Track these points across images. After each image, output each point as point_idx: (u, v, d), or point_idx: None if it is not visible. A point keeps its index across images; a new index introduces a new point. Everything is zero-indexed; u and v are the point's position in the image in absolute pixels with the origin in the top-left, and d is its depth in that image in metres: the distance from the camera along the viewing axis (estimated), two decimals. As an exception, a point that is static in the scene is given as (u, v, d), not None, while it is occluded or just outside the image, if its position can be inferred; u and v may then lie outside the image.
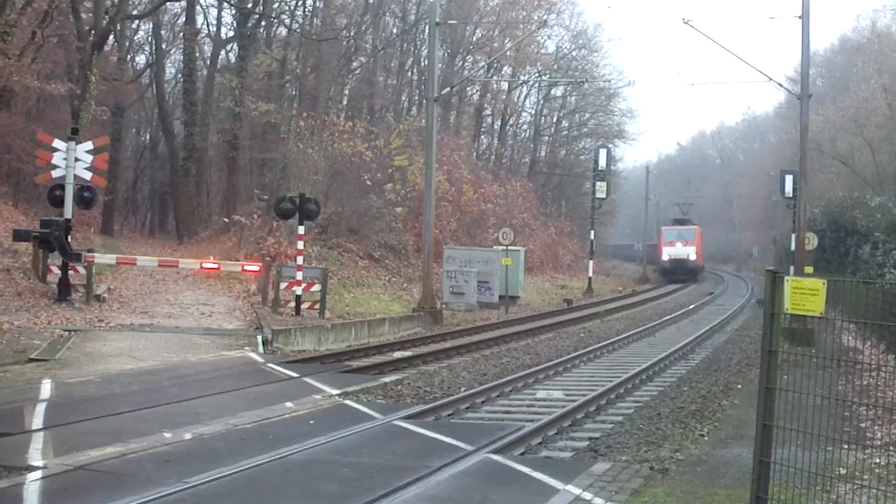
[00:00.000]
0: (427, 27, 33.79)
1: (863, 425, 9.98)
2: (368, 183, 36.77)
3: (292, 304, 22.20)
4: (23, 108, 31.09)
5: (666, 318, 29.96)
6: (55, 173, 20.77)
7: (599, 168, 49.79)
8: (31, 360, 14.28)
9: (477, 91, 58.91)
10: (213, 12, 49.14)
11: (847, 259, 28.92)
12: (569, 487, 7.93)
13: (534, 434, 10.50)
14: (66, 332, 16.94)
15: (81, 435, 9.42)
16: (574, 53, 65.19)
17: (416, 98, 53.22)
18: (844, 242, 29.99)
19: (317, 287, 22.95)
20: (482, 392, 13.52)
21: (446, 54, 50.58)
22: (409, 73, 53.88)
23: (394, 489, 7.75)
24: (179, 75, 51.26)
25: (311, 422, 10.86)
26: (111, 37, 36.49)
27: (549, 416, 11.43)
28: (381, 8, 49.06)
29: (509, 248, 31.74)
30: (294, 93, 45.12)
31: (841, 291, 12.26)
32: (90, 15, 33.85)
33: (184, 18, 46.02)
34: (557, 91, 66.82)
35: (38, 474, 7.87)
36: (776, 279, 5.93)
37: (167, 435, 9.58)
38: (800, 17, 22.60)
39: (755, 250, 76.37)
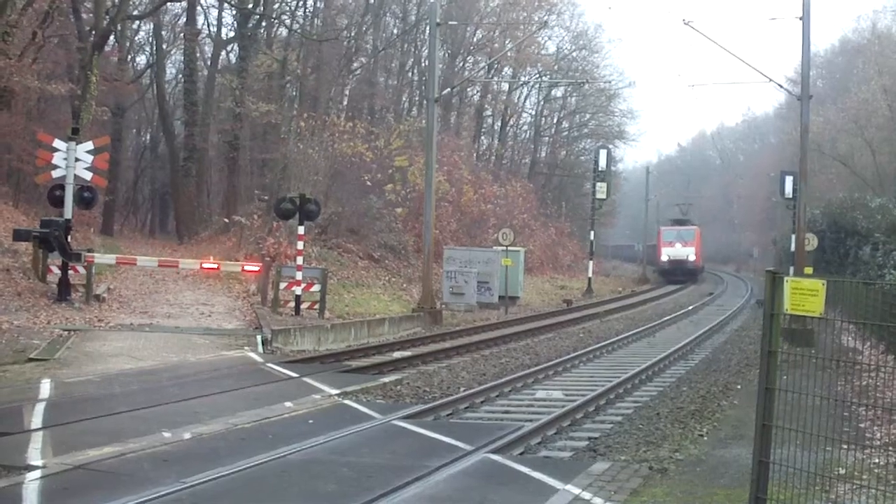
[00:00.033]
0: (427, 28, 33.81)
1: (862, 426, 9.98)
2: (368, 183, 36.79)
3: (292, 304, 22.21)
4: (23, 108, 31.10)
5: (665, 318, 29.96)
6: (55, 173, 20.77)
7: (599, 169, 49.76)
8: (31, 359, 14.28)
9: (477, 92, 58.95)
10: (214, 13, 49.24)
11: (847, 260, 28.91)
12: (568, 487, 7.93)
13: (533, 434, 10.50)
14: (66, 332, 16.95)
15: (80, 434, 9.42)
16: (574, 54, 65.24)
17: (417, 99, 53.25)
18: (844, 243, 29.98)
19: (316, 287, 22.96)
20: (481, 392, 13.52)
21: (447, 55, 50.59)
22: (410, 74, 53.90)
23: (393, 489, 7.75)
24: (180, 76, 51.28)
25: (311, 421, 10.87)
26: (112, 37, 36.49)
27: (549, 416, 11.43)
28: (381, 8, 49.06)
29: (509, 248, 31.74)
30: (294, 93, 45.13)
31: (840, 292, 12.28)
32: (91, 15, 33.87)
33: (184, 19, 46.03)
34: (558, 92, 66.86)
35: (37, 474, 7.87)
36: (776, 280, 5.93)
37: (166, 434, 9.58)
38: (800, 19, 22.60)
39: (755, 251, 76.31)
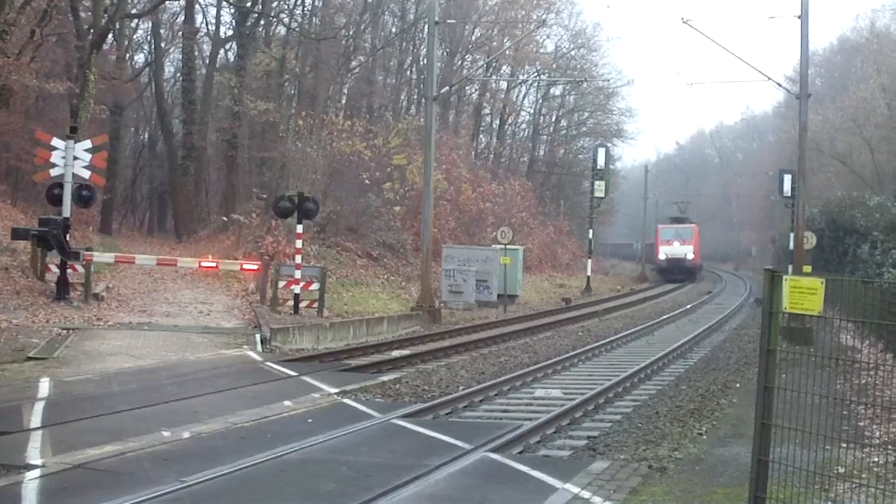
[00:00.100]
0: (426, 26, 33.81)
1: (861, 424, 9.99)
2: (367, 182, 36.78)
3: (291, 302, 22.20)
4: (21, 106, 31.07)
5: (664, 316, 29.98)
6: (54, 172, 20.76)
7: (598, 167, 49.75)
8: (30, 358, 14.27)
9: (476, 90, 58.95)
10: (212, 11, 49.14)
11: (845, 258, 28.93)
12: (567, 486, 7.93)
13: (532, 433, 10.50)
14: (65, 331, 16.94)
15: (80, 433, 9.41)
16: (573, 53, 65.26)
17: (415, 97, 53.24)
18: (843, 242, 30.00)
19: (315, 286, 22.94)
20: (480, 391, 13.52)
21: (445, 53, 50.59)
22: (408, 72, 53.88)
23: (392, 488, 7.75)
24: (178, 74, 51.27)
25: (310, 420, 10.86)
26: (110, 35, 36.47)
27: (548, 415, 11.44)
28: (380, 7, 49.03)
29: (508, 246, 31.71)
30: (293, 92, 45.11)
31: (839, 290, 12.27)
32: (89, 14, 33.82)
33: (183, 17, 46.05)
34: (556, 90, 66.90)
35: (36, 473, 7.86)
36: (775, 278, 5.93)
37: (165, 433, 9.58)
38: (799, 17, 22.60)
39: (754, 249, 76.35)
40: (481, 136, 63.19)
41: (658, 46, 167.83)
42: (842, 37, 65.13)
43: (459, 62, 54.73)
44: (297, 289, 22.20)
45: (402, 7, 50.93)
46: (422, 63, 48.84)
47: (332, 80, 45.12)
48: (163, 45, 49.03)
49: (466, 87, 55.73)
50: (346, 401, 12.42)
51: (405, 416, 11.22)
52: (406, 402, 12.74)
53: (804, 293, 5.83)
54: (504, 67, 57.87)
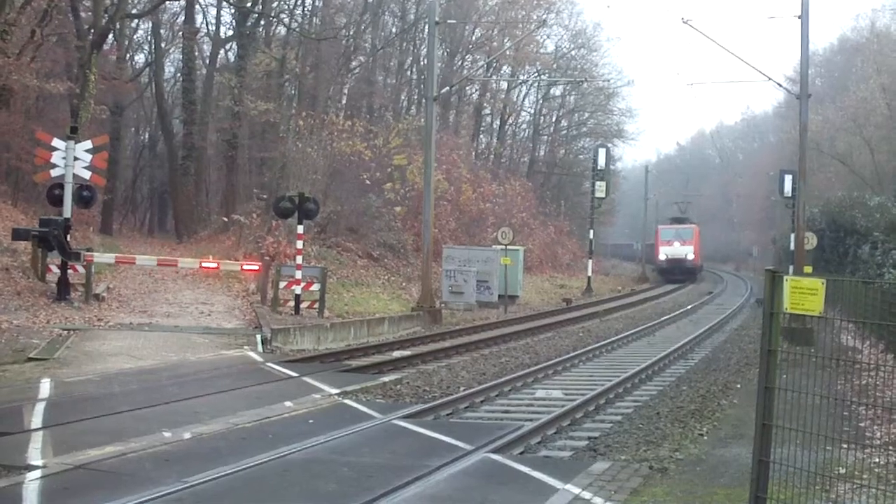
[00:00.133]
0: (426, 26, 33.81)
1: (862, 425, 9.99)
2: (367, 182, 36.78)
3: (291, 303, 22.20)
4: (22, 106, 31.07)
5: (665, 317, 29.98)
6: (54, 172, 20.77)
7: (598, 167, 49.70)
8: (31, 359, 14.28)
9: (476, 90, 58.96)
10: (213, 11, 49.18)
11: (846, 259, 28.93)
12: (568, 487, 7.93)
13: (533, 433, 10.51)
14: (65, 332, 16.94)
15: (81, 434, 9.42)
16: (573, 53, 65.24)
17: (416, 97, 53.24)
18: (843, 242, 30.00)
19: (316, 286, 22.95)
20: (481, 391, 13.52)
21: (445, 53, 50.59)
22: (409, 73, 53.88)
23: (393, 488, 7.75)
24: (178, 74, 51.27)
25: (311, 421, 10.87)
26: (110, 36, 36.48)
27: (549, 416, 11.44)
28: (380, 7, 49.05)
29: (508, 247, 31.72)
30: (293, 92, 45.11)
31: (840, 291, 12.26)
32: (89, 14, 33.84)
33: (183, 17, 46.05)
34: (556, 90, 66.87)
35: (37, 473, 7.87)
36: (775, 279, 5.94)
37: (167, 434, 9.58)
38: (799, 17, 22.61)
39: (754, 250, 76.26)
40: (482, 136, 63.21)
41: (658, 47, 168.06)
42: (842, 37, 65.22)
43: (460, 62, 54.74)
44: (297, 289, 22.20)
45: (403, 7, 50.93)
46: (422, 63, 48.85)
47: (332, 80, 45.13)
48: (163, 45, 49.06)
49: (467, 88, 55.74)
50: (346, 401, 12.43)
51: (406, 417, 11.22)
52: (407, 402, 12.74)
53: (805, 294, 5.83)
54: (504, 68, 57.87)
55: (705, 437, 10.38)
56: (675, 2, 66.96)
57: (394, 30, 51.98)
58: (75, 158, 20.50)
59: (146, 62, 52.39)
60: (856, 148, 43.62)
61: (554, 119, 70.60)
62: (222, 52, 48.75)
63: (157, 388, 12.56)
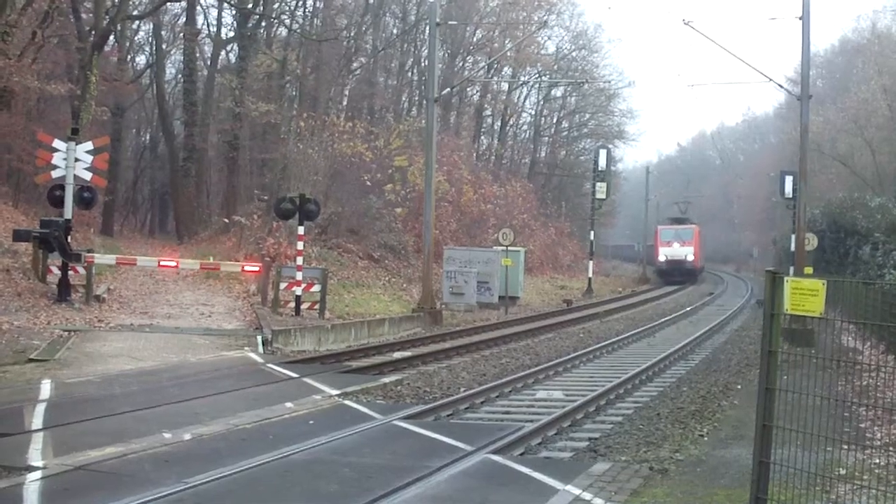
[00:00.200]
0: (427, 28, 33.81)
1: (862, 426, 9.98)
2: (368, 183, 36.79)
3: (292, 304, 22.21)
4: (23, 108, 31.10)
5: (665, 318, 29.97)
6: (55, 173, 20.77)
7: (599, 169, 49.65)
8: (31, 360, 14.28)
9: (477, 91, 58.96)
10: (214, 13, 49.24)
11: (847, 260, 28.92)
12: (568, 487, 7.93)
13: (533, 434, 10.51)
14: (66, 333, 16.94)
15: (81, 435, 9.42)
16: (574, 54, 65.22)
17: (417, 98, 53.26)
18: (844, 243, 30.00)
19: (316, 287, 22.96)
20: (482, 392, 13.52)
21: (446, 55, 50.60)
22: (410, 74, 53.90)
23: (394, 489, 7.76)
24: (179, 76, 51.30)
25: (311, 422, 10.87)
26: (111, 37, 36.50)
27: (549, 417, 11.44)
28: (381, 8, 49.08)
29: (509, 248, 31.75)
30: (294, 93, 45.14)
31: (841, 292, 12.28)
32: (90, 15, 33.88)
33: (184, 19, 46.04)
34: (557, 91, 66.84)
35: (37, 474, 7.87)
36: (776, 280, 5.94)
37: (167, 435, 9.59)
38: (800, 18, 22.60)
39: (755, 251, 76.19)
40: (482, 137, 63.24)
41: (659, 48, 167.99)
42: (843, 38, 65.22)
43: (461, 64, 54.74)
44: (298, 290, 22.21)
45: (404, 8, 50.97)
46: (423, 64, 48.84)
47: (333, 81, 45.15)
48: (164, 46, 49.07)
49: (468, 89, 55.74)
50: (347, 402, 12.43)
51: (407, 418, 11.22)
52: (407, 403, 12.75)
53: (805, 295, 5.83)
54: (505, 69, 57.90)
55: (706, 438, 10.38)
56: (676, 3, 67.08)
57: (395, 31, 52.02)
58: (76, 160, 20.50)
59: (147, 63, 52.51)
60: (857, 149, 43.61)
61: (555, 120, 70.63)
62: (223, 53, 48.85)
63: (158, 390, 12.57)
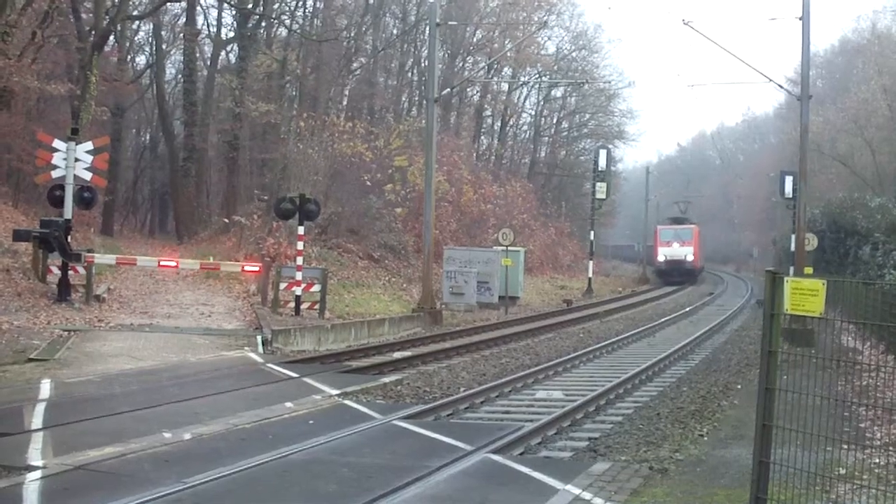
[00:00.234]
0: (427, 28, 33.80)
1: (862, 426, 9.98)
2: (368, 183, 36.79)
3: (292, 304, 22.20)
4: (23, 108, 31.10)
5: (665, 318, 29.98)
6: (55, 173, 20.77)
7: (599, 169, 49.62)
8: (31, 359, 14.28)
9: (477, 92, 58.95)
10: (214, 13, 49.23)
11: (847, 260, 28.92)
12: (568, 487, 7.93)
13: (533, 434, 10.50)
14: (66, 332, 16.95)
15: (81, 435, 9.42)
16: (574, 54, 65.22)
17: (417, 99, 53.26)
18: (844, 243, 29.99)
19: (316, 287, 22.96)
20: (482, 392, 13.52)
21: (446, 55, 50.60)
22: (410, 74, 53.90)
23: (393, 489, 7.76)
24: (179, 76, 51.30)
25: (311, 422, 10.87)
26: (111, 37, 36.49)
27: (549, 417, 11.44)
28: (381, 9, 49.08)
29: (509, 248, 31.75)
30: (294, 93, 45.14)
31: (840, 292, 12.28)
32: (90, 15, 33.88)
33: (184, 19, 46.04)
34: (557, 92, 66.84)
35: (37, 474, 7.87)
36: (776, 280, 5.93)
37: (167, 435, 9.58)
38: (800, 19, 22.60)
39: (755, 251, 76.17)
40: (482, 137, 63.24)
41: (659, 48, 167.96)
42: (843, 38, 65.21)
43: (461, 64, 54.74)
44: (298, 290, 22.21)
45: (404, 9, 50.97)
46: (423, 65, 48.84)
47: (333, 81, 45.15)
48: (164, 46, 49.07)
49: (468, 89, 55.73)
50: (347, 402, 12.43)
51: (406, 418, 11.22)
52: (407, 403, 12.75)
53: (805, 295, 5.83)
54: (505, 69, 57.96)
55: (705, 438, 10.38)
56: (676, 3, 67.03)
57: (395, 31, 52.01)
58: (76, 160, 20.50)
59: (147, 64, 52.49)
60: (857, 149, 43.61)
61: (555, 120, 70.63)
62: (223, 53, 48.83)
63: (158, 389, 12.57)
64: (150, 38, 50.37)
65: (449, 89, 44.11)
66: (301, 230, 23.35)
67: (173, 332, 18.38)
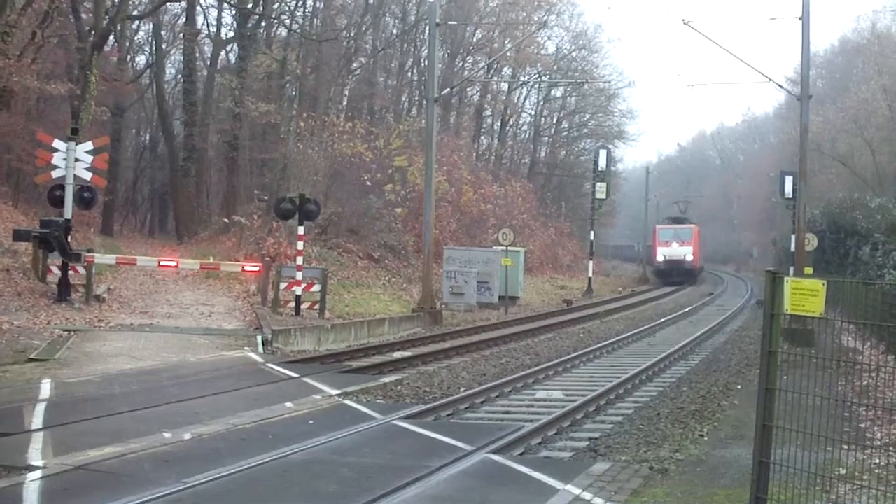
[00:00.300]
0: (427, 28, 33.80)
1: (862, 426, 9.98)
2: (368, 183, 36.79)
3: (292, 304, 22.21)
4: (23, 108, 31.10)
5: (665, 318, 29.97)
6: (55, 173, 20.78)
7: (599, 169, 49.60)
8: (31, 359, 14.28)
9: (477, 92, 58.95)
10: (213, 13, 49.22)
11: (847, 260, 28.93)
12: (568, 487, 7.93)
13: (533, 434, 10.50)
14: (66, 332, 16.95)
15: (81, 435, 9.42)
16: (574, 54, 65.22)
17: (416, 98, 53.26)
18: (844, 243, 29.99)
19: (316, 287, 22.96)
20: (482, 392, 13.52)
21: (446, 55, 50.61)
22: (409, 74, 53.91)
23: (393, 489, 7.76)
24: (179, 76, 51.31)
25: (311, 422, 10.87)
26: (111, 37, 36.50)
27: (549, 417, 11.43)
28: (381, 8, 49.08)
29: (509, 248, 31.75)
30: (294, 93, 45.14)
31: (841, 292, 12.28)
32: (90, 15, 33.88)
33: (184, 19, 46.05)
34: (557, 92, 66.86)
35: (37, 474, 7.87)
36: (776, 280, 5.93)
37: (167, 435, 9.58)
38: (800, 19, 22.60)
39: (755, 251, 76.15)
40: (482, 137, 63.23)
41: (659, 48, 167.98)
42: (843, 38, 65.20)
43: (461, 64, 54.75)
44: (298, 290, 22.21)
45: (403, 9, 50.97)
46: (423, 64, 48.84)
47: (333, 81, 45.15)
48: (164, 46, 49.08)
49: (468, 89, 55.72)
50: (347, 402, 12.43)
51: (406, 418, 11.22)
52: (407, 403, 12.74)
53: (805, 295, 5.83)
54: (505, 69, 57.92)
55: (706, 438, 10.38)
56: (676, 3, 66.99)
57: (394, 31, 52.02)
58: (76, 160, 20.50)
59: (147, 63, 52.50)
60: (857, 149, 43.61)
61: (555, 120, 70.63)
62: (223, 53, 48.84)
63: (158, 389, 12.57)
64: (149, 38, 50.43)
65: (449, 89, 44.11)
66: (301, 230, 23.35)
67: (173, 332, 18.38)
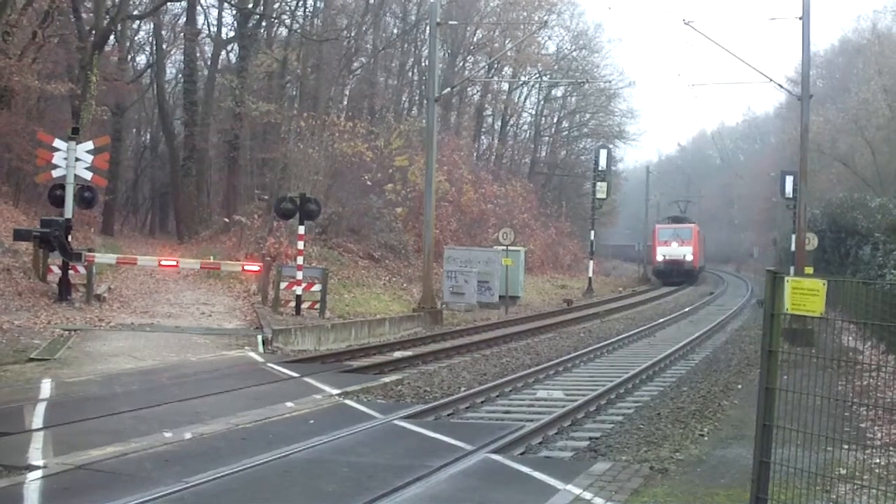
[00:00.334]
0: (427, 27, 33.84)
1: (863, 425, 9.99)
2: (369, 183, 36.80)
3: (292, 303, 22.21)
4: (23, 107, 31.10)
5: (666, 318, 29.97)
6: (56, 173, 20.79)
7: (600, 168, 49.57)
8: (31, 359, 14.29)
9: (477, 91, 58.98)
10: (214, 12, 49.32)
11: (847, 259, 28.94)
12: (569, 487, 7.93)
13: (534, 434, 10.50)
14: (66, 332, 16.95)
15: (81, 434, 9.43)
16: (574, 54, 65.24)
17: (417, 98, 53.27)
18: (845, 243, 30.00)
19: (317, 287, 22.96)
20: (482, 392, 13.52)
21: (447, 55, 50.61)
22: (410, 74, 53.91)
23: (394, 489, 7.76)
24: (180, 75, 51.32)
25: (312, 421, 10.87)
26: (112, 37, 36.53)
27: (550, 416, 11.43)
28: (381, 8, 49.08)
29: (509, 248, 31.75)
30: (294, 93, 45.16)
31: (841, 292, 12.28)
32: (91, 15, 33.90)
33: (184, 19, 46.09)
34: (558, 91, 66.87)
35: (38, 474, 7.87)
36: (776, 279, 5.93)
37: (167, 434, 9.59)
38: (800, 19, 22.58)
39: (755, 251, 76.13)
40: (483, 137, 63.25)
41: (660, 48, 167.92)
42: (843, 38, 65.12)
43: (461, 63, 54.76)
44: (298, 290, 22.21)
45: (404, 8, 50.98)
46: (423, 64, 48.84)
47: (333, 81, 45.15)
48: (164, 46, 49.08)
49: (468, 89, 55.74)
50: (347, 402, 12.43)
51: (407, 417, 11.22)
52: (408, 403, 12.74)
53: (806, 294, 5.83)
54: (506, 69, 57.88)
55: (706, 438, 10.38)
56: (677, 3, 66.71)
57: (395, 31, 52.03)
58: (77, 159, 20.52)
59: (148, 63, 52.53)
60: (857, 149, 43.56)
61: (555, 120, 70.65)
62: (224, 53, 48.87)
63: (158, 389, 12.58)
64: (150, 38, 50.46)
65: (449, 89, 44.08)
66: (301, 230, 23.35)
67: (174, 331, 18.39)
